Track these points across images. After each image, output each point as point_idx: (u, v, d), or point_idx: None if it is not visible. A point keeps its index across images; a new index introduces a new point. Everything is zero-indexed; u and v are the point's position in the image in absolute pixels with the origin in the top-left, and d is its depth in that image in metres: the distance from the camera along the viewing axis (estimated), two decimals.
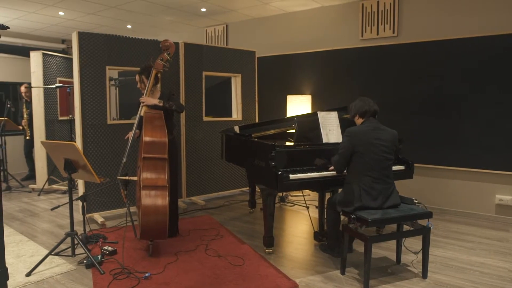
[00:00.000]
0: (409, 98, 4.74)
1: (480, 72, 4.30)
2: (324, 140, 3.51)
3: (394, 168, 3.56)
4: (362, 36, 5.12)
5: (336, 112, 3.67)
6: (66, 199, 5.08)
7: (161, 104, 3.44)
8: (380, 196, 2.88)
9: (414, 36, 4.75)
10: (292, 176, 3.16)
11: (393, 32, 4.88)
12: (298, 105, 5.36)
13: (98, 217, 4.27)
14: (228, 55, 5.28)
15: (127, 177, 3.42)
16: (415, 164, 4.72)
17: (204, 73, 5.03)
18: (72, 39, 4.13)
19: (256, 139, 3.58)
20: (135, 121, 3.53)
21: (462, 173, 4.55)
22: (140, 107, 3.48)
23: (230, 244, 3.63)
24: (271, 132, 3.87)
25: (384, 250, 3.52)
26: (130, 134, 3.58)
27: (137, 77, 3.64)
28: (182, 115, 4.87)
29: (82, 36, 4.09)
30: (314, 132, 3.54)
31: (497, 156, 4.28)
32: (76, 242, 3.27)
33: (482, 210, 4.48)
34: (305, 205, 4.91)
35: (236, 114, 5.49)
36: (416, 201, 3.07)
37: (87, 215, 4.28)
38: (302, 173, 3.25)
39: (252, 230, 4.08)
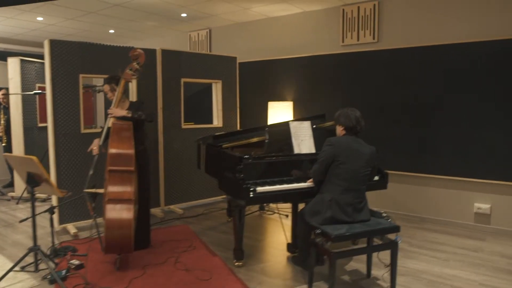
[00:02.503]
0: (389, 105, 4.69)
1: (459, 79, 4.25)
2: (296, 151, 3.46)
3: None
4: (343, 42, 5.06)
5: (309, 122, 3.62)
6: (44, 207, 5.02)
7: (130, 115, 3.39)
8: (350, 208, 2.84)
9: (394, 42, 4.69)
10: (259, 189, 3.10)
11: (374, 38, 4.82)
12: (279, 111, 5.31)
13: (71, 228, 4.21)
14: (208, 61, 5.22)
15: (93, 190, 3.36)
16: (396, 172, 4.73)
17: (182, 80, 4.98)
18: (44, 47, 4.07)
19: (225, 150, 3.53)
20: (103, 132, 3.48)
21: (441, 181, 4.50)
22: (108, 119, 3.42)
23: (201, 257, 3.58)
24: (245, 142, 3.81)
25: (356, 262, 3.47)
26: (94, 147, 3.50)
27: (106, 87, 3.58)
28: (160, 123, 4.81)
29: (54, 44, 4.03)
30: (285, 143, 3.49)
31: (475, 164, 4.23)
32: (41, 257, 3.21)
33: (461, 218, 4.43)
34: (285, 214, 4.86)
35: (217, 121, 5.43)
36: (385, 215, 3.02)
37: (61, 226, 4.24)
38: (272, 185, 3.20)
39: (226, 240, 4.03)
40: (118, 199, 3.12)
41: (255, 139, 3.78)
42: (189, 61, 5.03)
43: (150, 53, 4.71)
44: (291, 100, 5.46)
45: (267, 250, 3.79)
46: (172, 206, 5.04)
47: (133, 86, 4.61)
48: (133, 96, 4.62)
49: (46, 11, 5.19)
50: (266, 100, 5.57)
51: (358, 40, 4.93)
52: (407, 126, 4.60)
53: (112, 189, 3.16)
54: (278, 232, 4.28)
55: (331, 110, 5.09)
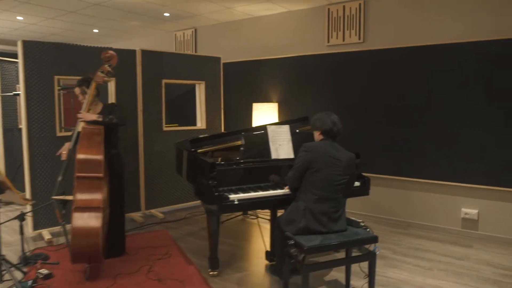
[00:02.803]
0: (375, 106, 4.57)
1: (446, 80, 4.13)
2: (273, 156, 3.34)
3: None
4: (328, 42, 4.93)
5: (288, 126, 3.49)
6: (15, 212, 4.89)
7: (101, 119, 3.26)
8: (325, 218, 2.71)
9: (380, 42, 4.57)
10: (233, 197, 2.98)
11: (359, 38, 4.69)
12: (264, 113, 5.18)
13: (46, 234, 4.09)
14: (191, 62, 5.09)
15: (62, 197, 3.24)
16: (381, 175, 4.61)
17: (164, 81, 4.85)
18: (18, 48, 3.94)
19: (199, 155, 3.40)
20: (73, 137, 3.35)
21: (427, 185, 4.38)
22: (78, 123, 3.30)
23: (176, 265, 3.46)
24: (224, 146, 3.68)
25: (337, 271, 3.34)
26: (63, 151, 3.38)
27: (77, 89, 3.46)
28: (140, 125, 4.68)
29: (27, 44, 3.90)
30: (263, 147, 3.37)
31: (463, 168, 4.11)
32: (5, 267, 3.09)
33: (448, 224, 4.32)
34: (268, 218, 4.73)
35: (200, 123, 5.31)
36: (363, 224, 2.90)
37: (35, 232, 4.11)
38: (246, 192, 3.08)
39: (205, 247, 3.87)
40: (85, 207, 3.00)
41: (238, 143, 3.65)
42: (171, 62, 4.90)
43: (129, 54, 4.59)
44: (276, 102, 5.34)
45: (245, 258, 3.67)
46: (153, 210, 4.92)
47: (111, 87, 4.49)
48: (112, 98, 4.50)
49: (25, 10, 5.07)
50: (251, 101, 5.45)
51: (343, 40, 4.80)
52: (393, 127, 4.48)
53: (80, 196, 3.04)
54: (259, 239, 4.17)
55: (317, 111, 4.93)
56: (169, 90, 5.90)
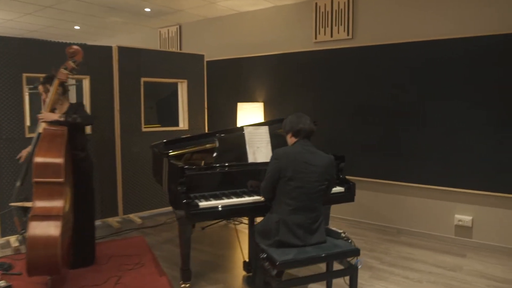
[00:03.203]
0: (364, 105, 4.33)
1: (439, 79, 3.89)
2: (250, 160, 3.10)
3: (335, 190, 3.17)
4: (316, 38, 4.69)
5: (267, 127, 3.26)
6: None
7: (63, 119, 3.03)
8: (301, 231, 2.47)
9: (369, 38, 4.33)
10: (203, 204, 2.74)
11: (348, 34, 4.45)
12: (249, 113, 4.95)
13: (14, 241, 3.85)
14: (172, 60, 4.85)
15: (20, 203, 3.01)
16: (370, 179, 4.37)
17: (143, 80, 4.61)
18: None
19: (170, 159, 3.16)
20: (34, 138, 3.12)
21: (419, 190, 4.14)
22: (39, 123, 3.06)
23: (147, 276, 3.23)
24: (200, 148, 3.44)
25: (320, 284, 3.10)
26: (23, 154, 3.16)
27: (40, 88, 3.23)
28: (117, 125, 4.45)
29: None
30: (239, 150, 3.13)
31: (456, 172, 3.87)
32: None
33: (441, 231, 4.08)
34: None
35: (183, 123, 5.07)
36: (344, 235, 2.66)
37: (3, 239, 3.88)
38: (219, 199, 2.84)
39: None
40: (44, 215, 2.76)
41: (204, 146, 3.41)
42: (150, 59, 4.66)
43: (106, 51, 4.36)
44: (261, 101, 5.10)
45: (222, 268, 3.43)
46: (131, 215, 4.68)
47: (86, 86, 4.25)
48: (86, 98, 4.26)
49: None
50: (236, 101, 5.21)
51: (331, 36, 4.56)
52: (383, 128, 4.24)
53: (38, 203, 2.80)
54: (238, 247, 3.93)
55: (304, 111, 4.74)
56: (158, 90, 5.68)
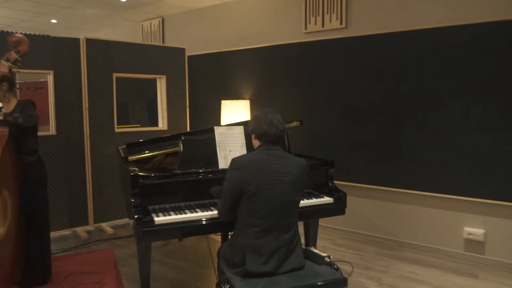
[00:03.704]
0: (360, 103, 3.85)
1: (446, 73, 3.40)
2: (221, 166, 2.65)
3: (319, 201, 2.70)
4: (306, 28, 4.22)
5: (241, 127, 2.80)
6: None
7: (2, 118, 2.60)
8: (273, 258, 2.00)
9: (365, 27, 3.85)
10: (159, 220, 2.29)
11: (341, 23, 3.97)
12: (234, 111, 4.48)
13: None
14: (149, 53, 4.42)
15: None
16: (367, 186, 3.88)
17: (115, 75, 4.18)
18: None
19: (127, 165, 2.71)
20: None
21: (423, 198, 3.64)
22: None
23: None
24: (165, 151, 2.98)
25: None
26: None
27: None
28: (86, 126, 4.01)
29: None
30: (207, 155, 2.68)
31: (466, 179, 3.37)
32: None
33: (448, 245, 3.58)
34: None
35: (162, 123, 4.63)
36: (329, 260, 2.18)
37: None
38: (180, 213, 2.39)
39: (155, 276, 3.23)
40: None
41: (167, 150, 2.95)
42: (124, 53, 4.23)
43: (72, 43, 3.93)
44: (248, 98, 4.64)
45: None
46: (103, 224, 4.24)
47: (50, 82, 3.82)
48: (50, 95, 3.83)
49: None
50: (220, 98, 4.76)
51: (323, 26, 4.08)
52: (382, 130, 3.75)
53: None
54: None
55: (293, 108, 4.31)
56: (151, 89, 5.22)
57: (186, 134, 2.82)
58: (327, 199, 2.76)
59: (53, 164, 3.82)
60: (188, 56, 4.76)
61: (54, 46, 3.80)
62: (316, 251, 2.22)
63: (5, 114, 2.61)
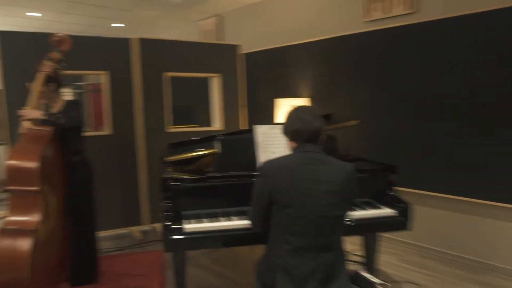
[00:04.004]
0: (434, 101, 3.31)
1: None
2: None
3: (376, 213, 2.32)
4: (366, 17, 3.77)
5: None
6: None
7: (44, 118, 2.62)
8: (308, 282, 1.68)
9: (439, 10, 3.30)
10: (189, 228, 2.10)
11: (410, 8, 3.47)
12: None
13: None
14: (202, 52, 4.31)
15: None
16: (445, 195, 3.31)
17: (166, 75, 4.12)
18: None
19: (165, 166, 2.57)
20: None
21: None
22: (21, 122, 2.68)
23: None
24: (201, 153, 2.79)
25: None
26: None
27: (28, 85, 2.86)
28: (140, 126, 4.01)
29: (5, 36, 3.45)
30: (248, 156, 2.43)
31: None
32: None
33: None
34: None
35: (216, 122, 4.50)
36: (381, 286, 1.80)
37: None
38: (214, 221, 2.18)
39: (200, 279, 3.09)
40: (14, 230, 2.35)
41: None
42: (176, 52, 4.17)
43: (126, 43, 3.95)
44: (306, 96, 4.31)
45: None
46: (158, 225, 4.21)
47: (106, 83, 3.88)
48: (106, 96, 3.88)
49: (31, 4, 4.72)
50: (278, 96, 4.48)
51: (387, 12, 3.60)
52: (462, 132, 3.18)
53: (10, 215, 2.40)
54: None
55: (356, 107, 3.87)
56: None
57: (227, 134, 2.61)
58: (386, 211, 2.35)
59: (108, 163, 3.87)
60: (248, 53, 4.57)
61: (108, 47, 3.85)
62: (368, 276, 1.85)
63: (49, 114, 2.61)
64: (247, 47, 4.65)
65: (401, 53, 3.46)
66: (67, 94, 4.97)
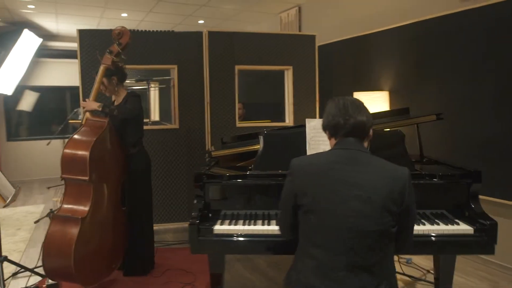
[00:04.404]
0: None
1: None
2: None
3: (449, 230, 1.87)
4: None
5: None
6: None
7: (100, 109, 2.67)
8: None
9: None
10: (219, 229, 1.91)
11: None
12: (368, 105, 3.71)
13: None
14: (274, 43, 4.08)
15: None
16: None
17: (237, 68, 4.00)
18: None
19: (211, 161, 2.41)
20: None
21: None
22: (83, 113, 2.78)
23: None
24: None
25: None
26: None
27: (94, 77, 2.98)
28: (207, 121, 3.97)
29: (83, 34, 3.69)
30: (295, 153, 2.13)
31: None
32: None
33: None
34: None
35: (288, 117, 4.24)
36: None
37: None
38: (248, 223, 1.95)
39: (246, 282, 2.91)
40: (64, 217, 2.44)
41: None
42: (248, 44, 4.01)
43: (195, 37, 3.93)
44: (387, 90, 3.79)
45: None
46: None
47: (175, 76, 3.91)
48: (175, 90, 3.92)
49: (114, 5, 5.02)
50: (356, 90, 4.05)
51: None
52: None
53: (64, 202, 2.50)
54: None
55: (448, 103, 3.25)
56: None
57: (280, 128, 2.36)
58: (463, 228, 1.87)
59: (175, 157, 3.90)
60: (322, 45, 4.23)
61: (178, 41, 3.87)
62: None
63: (103, 106, 2.66)
64: (321, 39, 4.30)
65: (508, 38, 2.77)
66: (153, 87, 5.20)
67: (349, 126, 1.47)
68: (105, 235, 2.67)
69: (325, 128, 1.57)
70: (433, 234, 1.85)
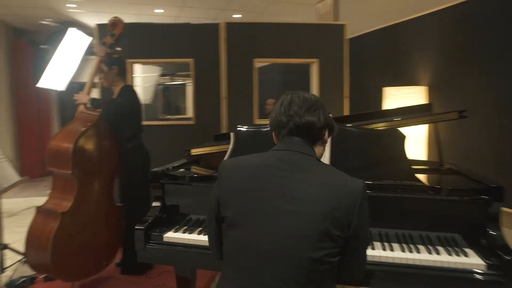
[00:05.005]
0: None
1: None
2: None
3: (453, 261, 1.47)
4: None
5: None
6: None
7: (88, 103, 2.59)
8: None
9: None
10: (170, 237, 1.68)
11: None
12: (402, 101, 3.24)
13: None
14: (299, 34, 3.74)
15: None
16: None
17: (256, 61, 3.73)
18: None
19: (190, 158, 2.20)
20: None
21: None
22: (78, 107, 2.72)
23: None
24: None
25: None
26: None
27: None
28: (223, 117, 3.76)
29: (101, 28, 3.70)
30: None
31: None
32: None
33: None
34: None
35: None
36: None
37: None
38: (202, 232, 1.71)
39: None
40: (48, 210, 2.38)
41: None
42: (269, 36, 3.72)
43: (213, 29, 3.74)
44: (426, 84, 3.26)
45: None
46: None
47: (192, 70, 3.76)
48: (191, 86, 3.77)
49: (154, 1, 5.00)
50: (388, 85, 3.55)
51: None
52: None
53: (50, 195, 2.46)
54: None
55: (498, 100, 2.66)
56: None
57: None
58: (472, 262, 1.44)
59: None
60: (354, 37, 3.79)
61: (194, 33, 3.71)
62: None
63: (91, 100, 2.57)
64: (358, 30, 3.86)
65: None
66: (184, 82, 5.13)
67: (293, 125, 1.19)
68: (93, 231, 2.57)
69: (270, 127, 1.28)
70: (426, 265, 1.44)
